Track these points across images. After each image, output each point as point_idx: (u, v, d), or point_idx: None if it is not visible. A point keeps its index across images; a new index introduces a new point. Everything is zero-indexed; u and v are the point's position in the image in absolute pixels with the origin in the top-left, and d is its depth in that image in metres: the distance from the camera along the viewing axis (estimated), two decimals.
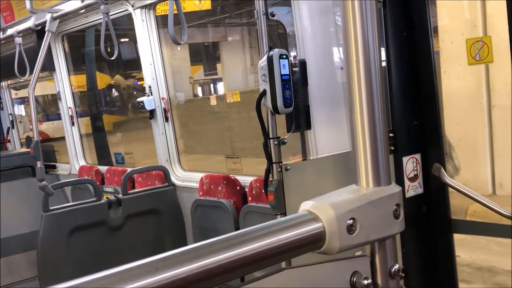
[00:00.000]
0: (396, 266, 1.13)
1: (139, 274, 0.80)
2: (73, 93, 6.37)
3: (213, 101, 11.19)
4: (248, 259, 0.92)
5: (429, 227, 3.01)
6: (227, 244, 0.92)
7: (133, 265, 0.81)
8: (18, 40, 5.51)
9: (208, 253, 0.88)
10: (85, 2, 4.88)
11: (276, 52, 2.91)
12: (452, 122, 5.57)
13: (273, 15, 3.01)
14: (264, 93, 2.93)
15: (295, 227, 0.99)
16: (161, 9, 5.05)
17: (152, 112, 5.10)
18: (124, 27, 6.70)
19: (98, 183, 5.28)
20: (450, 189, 2.91)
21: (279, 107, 2.92)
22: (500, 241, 4.07)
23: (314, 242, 1.01)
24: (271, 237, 0.96)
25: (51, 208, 4.38)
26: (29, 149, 5.20)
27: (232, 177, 4.50)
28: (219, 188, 4.50)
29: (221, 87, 15.84)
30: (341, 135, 3.17)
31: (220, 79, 16.07)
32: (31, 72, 5.31)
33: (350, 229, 1.03)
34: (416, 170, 2.96)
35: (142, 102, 5.07)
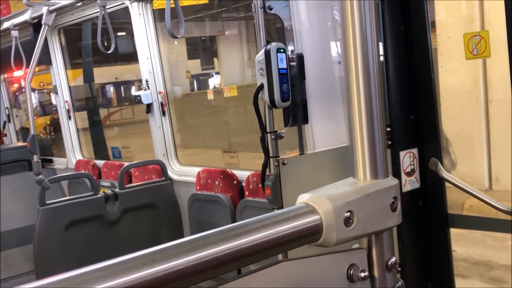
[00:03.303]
0: (393, 259, 1.13)
1: (136, 265, 0.80)
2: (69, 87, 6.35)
3: (210, 95, 11.15)
4: (245, 251, 0.92)
5: (425, 221, 3.02)
6: (224, 236, 0.92)
7: (130, 257, 0.81)
8: (15, 33, 5.48)
9: (205, 245, 0.88)
10: None
11: (273, 46, 2.90)
12: (449, 117, 5.57)
13: (270, 9, 3.01)
14: (261, 87, 2.93)
15: (292, 220, 0.99)
16: (158, 2, 5.03)
17: (149, 106, 5.10)
18: (121, 20, 6.67)
19: (95, 177, 5.28)
20: (446, 184, 2.92)
21: (277, 101, 2.92)
22: (496, 235, 4.09)
23: (311, 234, 1.01)
24: (268, 230, 0.96)
25: (47, 202, 4.37)
26: (25, 143, 5.18)
27: (229, 172, 4.50)
28: (216, 182, 4.50)
29: (218, 81, 15.79)
30: (338, 130, 3.17)
31: (217, 73, 16.02)
32: (27, 66, 5.29)
33: (347, 221, 1.03)
34: (413, 164, 2.96)
35: (139, 96, 5.06)
